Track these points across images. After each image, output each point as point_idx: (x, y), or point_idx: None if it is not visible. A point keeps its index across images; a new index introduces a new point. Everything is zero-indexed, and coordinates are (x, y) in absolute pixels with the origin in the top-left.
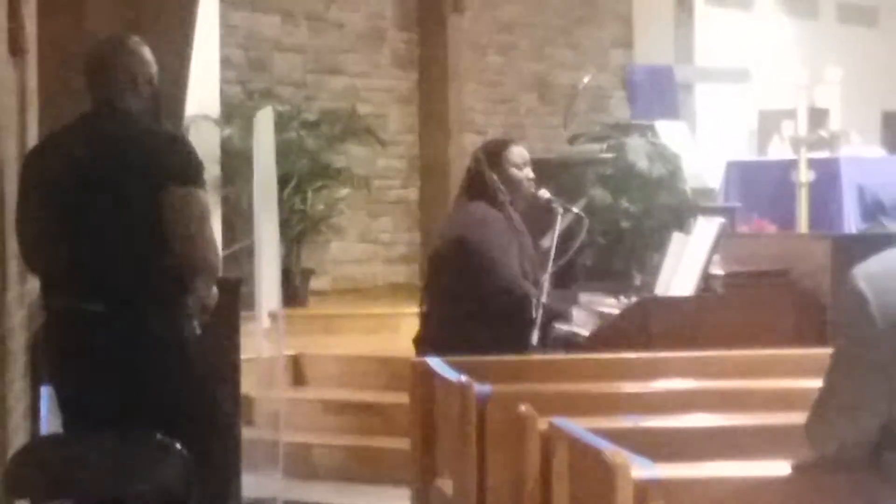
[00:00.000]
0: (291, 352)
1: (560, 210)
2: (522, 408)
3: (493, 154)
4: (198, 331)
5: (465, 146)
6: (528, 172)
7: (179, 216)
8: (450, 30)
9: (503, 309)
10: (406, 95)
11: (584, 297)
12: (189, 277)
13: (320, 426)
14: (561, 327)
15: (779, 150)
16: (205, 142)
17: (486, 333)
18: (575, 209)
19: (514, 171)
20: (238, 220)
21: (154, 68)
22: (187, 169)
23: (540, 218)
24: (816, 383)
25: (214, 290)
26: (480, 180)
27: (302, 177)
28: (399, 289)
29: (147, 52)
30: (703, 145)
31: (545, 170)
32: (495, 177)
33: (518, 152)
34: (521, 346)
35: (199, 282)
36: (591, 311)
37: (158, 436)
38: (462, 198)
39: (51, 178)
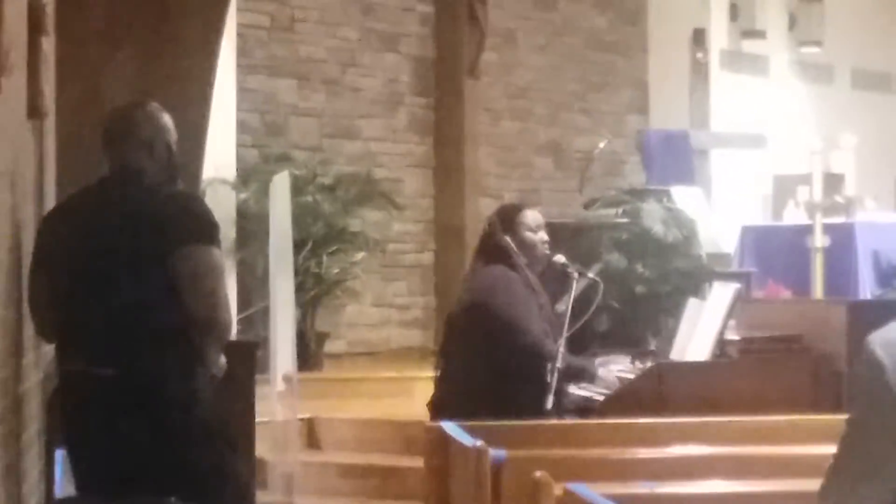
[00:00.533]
0: (305, 415)
1: (575, 275)
2: (538, 473)
3: (508, 218)
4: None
5: (480, 210)
6: (543, 236)
7: (192, 275)
8: (466, 95)
9: (523, 370)
10: (422, 160)
11: (598, 360)
12: (201, 338)
13: (334, 490)
14: (575, 392)
15: (794, 216)
16: (221, 205)
17: (500, 397)
18: (590, 274)
19: (528, 234)
20: (253, 284)
21: (172, 134)
22: (201, 228)
23: (555, 282)
24: (831, 450)
25: (222, 359)
26: (495, 244)
27: (317, 240)
28: (413, 352)
29: (165, 118)
30: (718, 210)
31: (560, 234)
32: (510, 240)
33: (532, 216)
34: (536, 410)
35: (209, 345)
36: (610, 374)
37: (173, 500)
38: (477, 262)
39: (64, 242)
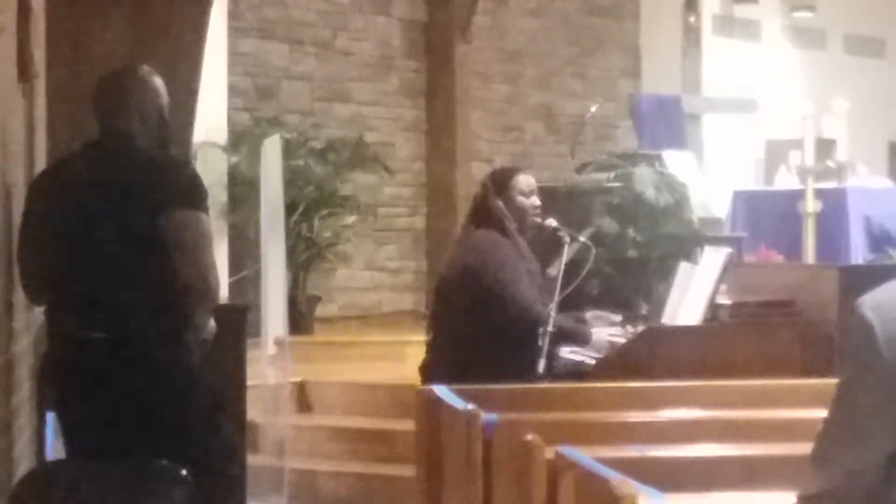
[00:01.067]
0: (297, 379)
1: (567, 239)
2: (529, 436)
3: (500, 182)
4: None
5: (471, 174)
6: (535, 200)
7: (180, 239)
8: (457, 59)
9: (517, 332)
10: (413, 124)
11: (590, 314)
12: (190, 302)
13: (325, 453)
14: (567, 356)
15: (786, 181)
16: (212, 169)
17: (492, 361)
18: (582, 238)
19: (520, 198)
20: (245, 247)
21: (164, 98)
22: (189, 193)
23: (547, 247)
24: (822, 413)
25: (212, 323)
26: (487, 208)
27: (309, 204)
28: (405, 316)
29: (157, 82)
30: (710, 175)
31: (552, 198)
32: (502, 204)
33: (525, 180)
34: (527, 374)
35: (198, 310)
36: (602, 337)
37: (164, 462)
38: (469, 225)
39: (54, 205)
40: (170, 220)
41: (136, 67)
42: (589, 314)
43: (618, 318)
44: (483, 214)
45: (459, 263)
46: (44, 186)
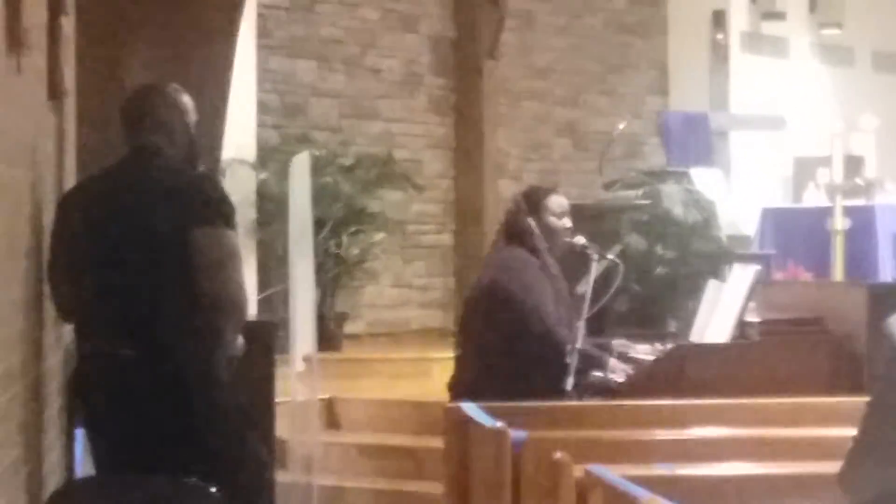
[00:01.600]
0: (325, 395)
1: (595, 256)
2: (558, 454)
3: (534, 201)
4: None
5: (499, 191)
6: (567, 222)
7: (208, 257)
8: (485, 76)
9: (539, 355)
10: (441, 141)
11: (617, 342)
12: (218, 319)
13: (354, 470)
14: (596, 374)
15: (814, 198)
16: (241, 185)
17: (520, 379)
18: (610, 255)
19: (553, 219)
20: (273, 264)
21: (192, 115)
22: (216, 210)
23: (575, 264)
24: (851, 431)
25: (241, 340)
26: (519, 227)
27: (337, 221)
28: (433, 333)
29: (186, 100)
30: (738, 192)
31: (580, 216)
32: (533, 224)
33: (558, 201)
34: (556, 392)
35: (227, 327)
36: (625, 358)
37: (193, 480)
38: (499, 242)
39: (84, 223)
40: (197, 238)
41: (163, 85)
42: (616, 342)
43: (645, 346)
44: (514, 232)
45: (487, 281)
46: (73, 203)
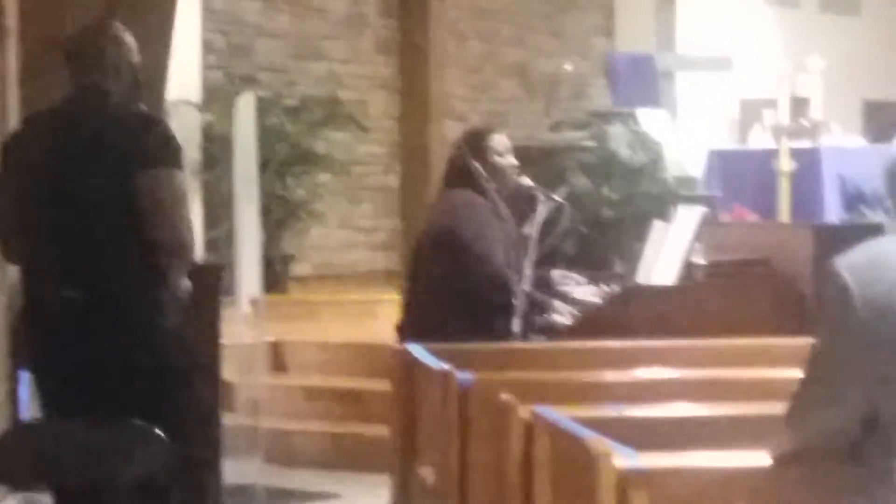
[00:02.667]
0: (272, 338)
1: (542, 198)
2: (504, 396)
3: (476, 142)
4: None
5: (445, 133)
6: (511, 160)
7: (156, 197)
8: (431, 16)
9: (487, 297)
10: (387, 81)
11: (556, 273)
12: (165, 261)
13: (300, 413)
14: (542, 315)
15: (760, 139)
16: (185, 127)
17: (467, 321)
18: (557, 197)
19: (496, 158)
20: (218, 206)
21: (136, 55)
22: (164, 151)
23: (522, 206)
24: (797, 373)
25: (187, 282)
26: (463, 168)
27: (282, 162)
28: (379, 275)
29: (130, 38)
30: (684, 134)
31: (527, 157)
32: (478, 165)
33: (500, 140)
34: (503, 333)
35: (173, 267)
36: (571, 300)
37: (138, 422)
38: (445, 186)
39: (29, 163)
40: (145, 178)
41: (109, 24)
42: (556, 272)
43: (583, 279)
44: (459, 175)
45: (435, 224)
46: (18, 144)
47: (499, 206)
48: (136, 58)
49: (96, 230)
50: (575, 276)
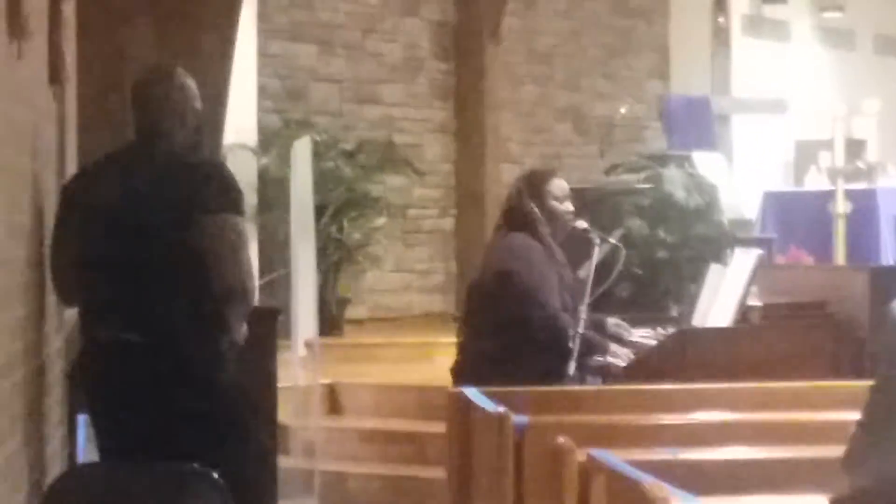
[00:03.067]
0: (327, 380)
1: (597, 240)
2: (560, 439)
3: (535, 185)
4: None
5: (501, 176)
6: (568, 205)
7: (218, 243)
8: (486, 60)
9: (543, 341)
10: (443, 125)
11: (611, 321)
12: (225, 306)
13: (356, 455)
14: (597, 358)
15: (816, 181)
16: (242, 170)
17: (523, 364)
18: (612, 240)
19: (554, 203)
20: (275, 249)
21: (198, 100)
22: (225, 196)
23: (577, 248)
24: (854, 415)
25: (245, 326)
26: (521, 211)
27: (338, 206)
28: (434, 318)
29: (192, 84)
30: (739, 176)
31: (582, 200)
32: (535, 208)
33: (559, 185)
34: (558, 376)
35: (233, 312)
36: (627, 342)
37: (195, 466)
38: (502, 228)
39: (91, 207)
40: (206, 224)
41: (173, 70)
42: (610, 321)
43: (636, 329)
44: (516, 217)
45: (492, 267)
46: (80, 187)
47: (553, 250)
48: (199, 104)
49: (156, 275)
50: (627, 326)
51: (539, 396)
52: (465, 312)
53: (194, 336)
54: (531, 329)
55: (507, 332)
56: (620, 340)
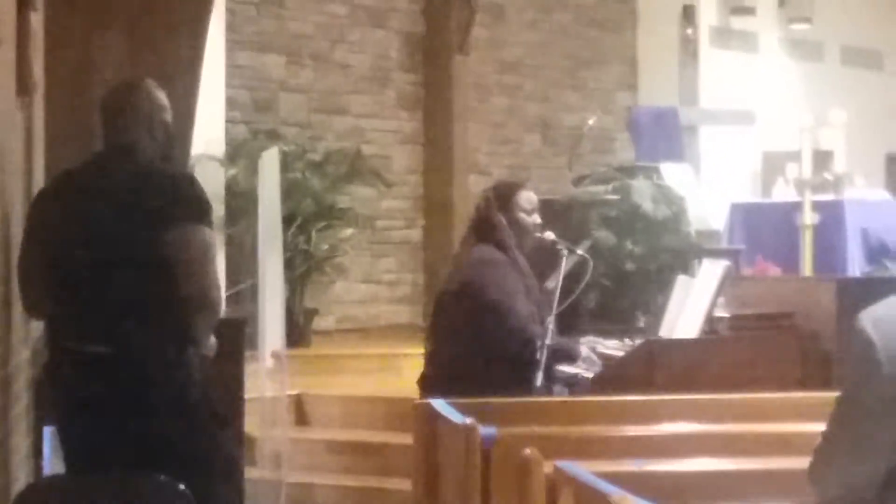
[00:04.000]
0: (294, 392)
1: (565, 252)
2: (527, 450)
3: (503, 197)
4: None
5: (469, 187)
6: (536, 218)
7: (185, 254)
8: (454, 71)
9: (511, 351)
10: (410, 136)
11: (584, 340)
12: (192, 317)
13: (323, 466)
14: (565, 369)
15: (783, 193)
16: (210, 181)
17: (490, 375)
18: (579, 251)
19: (522, 215)
20: (242, 260)
21: (168, 112)
22: (193, 208)
23: (544, 259)
24: (820, 427)
25: (213, 338)
26: (488, 222)
27: (306, 217)
28: (402, 329)
29: (162, 96)
30: (707, 187)
31: (550, 211)
32: (503, 220)
33: (527, 197)
34: (525, 387)
35: (200, 323)
36: (594, 352)
37: (162, 477)
38: (470, 239)
39: (58, 219)
40: (175, 235)
41: (142, 81)
42: (584, 339)
43: (613, 342)
44: (483, 228)
45: (458, 278)
46: (50, 198)
47: (519, 262)
48: (168, 115)
49: (122, 286)
50: (602, 340)
51: (506, 407)
52: (432, 323)
53: (161, 347)
54: (499, 340)
55: (473, 343)
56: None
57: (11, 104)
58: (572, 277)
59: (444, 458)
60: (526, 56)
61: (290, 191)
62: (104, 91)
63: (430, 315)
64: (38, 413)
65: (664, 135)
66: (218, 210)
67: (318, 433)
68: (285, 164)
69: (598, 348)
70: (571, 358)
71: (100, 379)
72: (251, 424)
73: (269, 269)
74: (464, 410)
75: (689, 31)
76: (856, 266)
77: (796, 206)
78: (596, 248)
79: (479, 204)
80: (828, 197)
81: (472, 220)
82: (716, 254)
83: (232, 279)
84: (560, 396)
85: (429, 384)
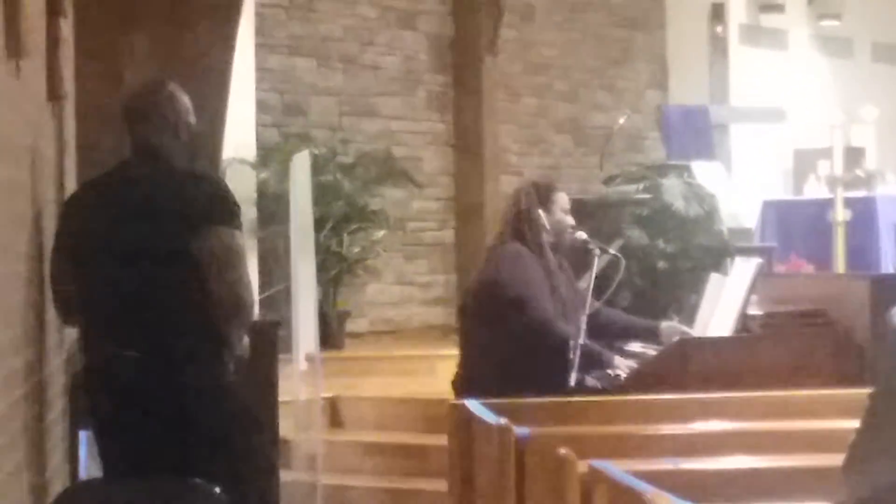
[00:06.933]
0: (328, 394)
1: (597, 251)
2: (562, 450)
3: (544, 193)
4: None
5: (500, 187)
6: (570, 220)
7: (215, 257)
8: (484, 72)
9: (540, 349)
10: (441, 137)
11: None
12: (225, 320)
13: (358, 468)
14: (599, 369)
15: (815, 190)
16: (241, 185)
17: (523, 375)
18: (611, 250)
19: (561, 214)
20: (275, 263)
21: (192, 115)
22: (221, 210)
23: (577, 259)
24: (854, 424)
25: (246, 340)
26: (528, 217)
27: (338, 219)
28: (435, 330)
29: (185, 99)
30: (738, 185)
31: (581, 211)
32: (544, 216)
33: (563, 198)
34: (559, 387)
35: (233, 326)
36: (627, 353)
37: (198, 481)
38: (503, 235)
39: (89, 224)
40: (205, 238)
41: (164, 83)
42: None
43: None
44: (523, 224)
45: (484, 278)
46: (80, 204)
47: (550, 261)
48: (192, 118)
49: (155, 290)
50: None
51: (540, 407)
52: (462, 323)
53: (195, 351)
54: (527, 336)
55: (504, 342)
56: (622, 350)
57: (43, 110)
58: (604, 277)
59: (478, 459)
60: (555, 56)
61: (321, 193)
62: (126, 94)
63: (459, 315)
64: (74, 418)
65: (695, 133)
66: (249, 214)
67: (353, 435)
68: (316, 167)
69: (630, 346)
70: (604, 365)
71: (134, 383)
72: (286, 427)
73: (302, 272)
74: (498, 411)
75: (719, 28)
76: (889, 262)
77: (828, 203)
78: (628, 248)
79: (517, 199)
80: (860, 193)
81: (509, 215)
82: (748, 252)
83: (265, 282)
84: (593, 396)
85: (462, 385)
